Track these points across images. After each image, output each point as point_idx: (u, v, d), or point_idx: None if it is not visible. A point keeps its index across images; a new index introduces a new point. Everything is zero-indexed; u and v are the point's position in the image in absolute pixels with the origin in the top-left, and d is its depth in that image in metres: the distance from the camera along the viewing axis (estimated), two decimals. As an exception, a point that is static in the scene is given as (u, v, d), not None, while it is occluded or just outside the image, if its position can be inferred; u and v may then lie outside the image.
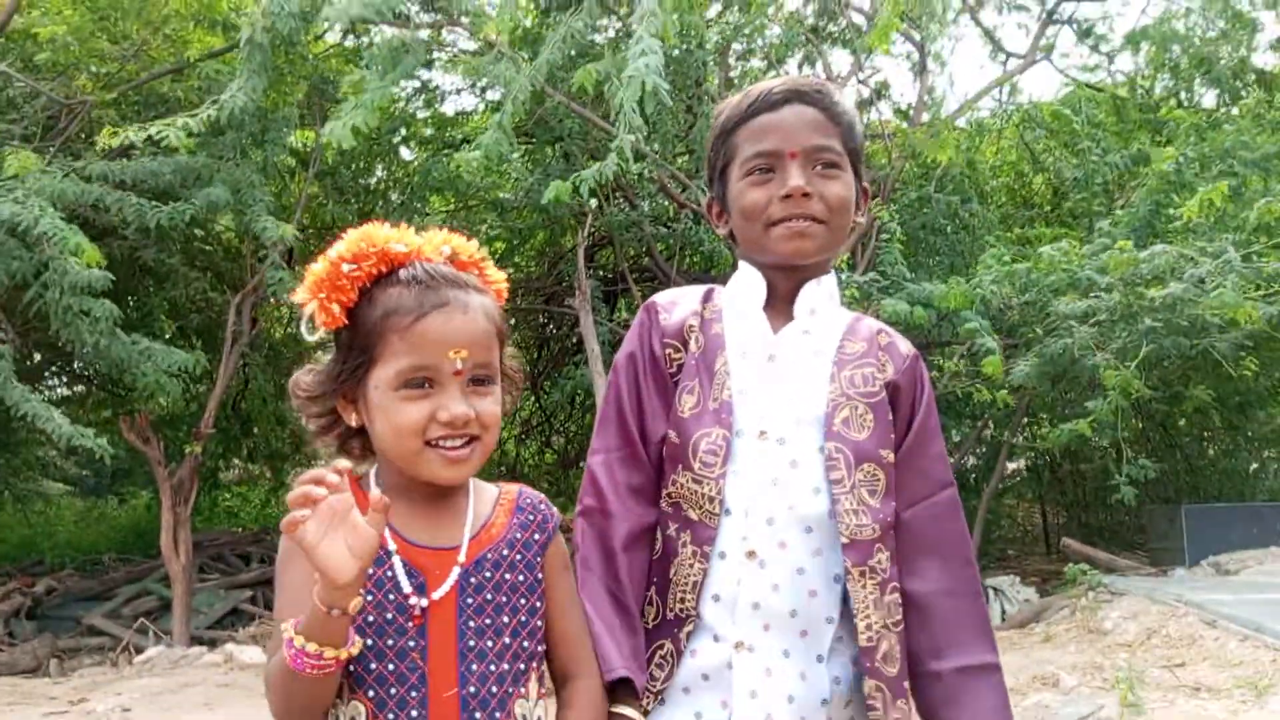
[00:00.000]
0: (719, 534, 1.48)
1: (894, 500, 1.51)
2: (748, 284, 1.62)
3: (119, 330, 6.27)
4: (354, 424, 1.41)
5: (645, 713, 1.45)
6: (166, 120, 6.05)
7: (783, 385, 1.54)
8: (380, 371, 1.35)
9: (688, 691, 1.47)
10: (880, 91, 10.07)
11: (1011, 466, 13.78)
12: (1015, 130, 10.44)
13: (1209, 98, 10.44)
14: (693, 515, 1.50)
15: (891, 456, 1.52)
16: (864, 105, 9.94)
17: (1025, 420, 10.32)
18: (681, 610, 1.48)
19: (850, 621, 1.48)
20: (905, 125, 9.65)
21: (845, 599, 1.48)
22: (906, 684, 1.49)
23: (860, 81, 9.73)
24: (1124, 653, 5.89)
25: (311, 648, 1.20)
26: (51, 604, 8.88)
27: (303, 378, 1.43)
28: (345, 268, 1.35)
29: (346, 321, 1.37)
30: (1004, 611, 8.88)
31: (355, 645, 1.26)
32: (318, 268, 1.37)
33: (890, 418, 1.54)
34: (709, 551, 1.48)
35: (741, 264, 1.64)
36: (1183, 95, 10.31)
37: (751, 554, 1.47)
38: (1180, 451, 12.16)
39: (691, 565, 1.48)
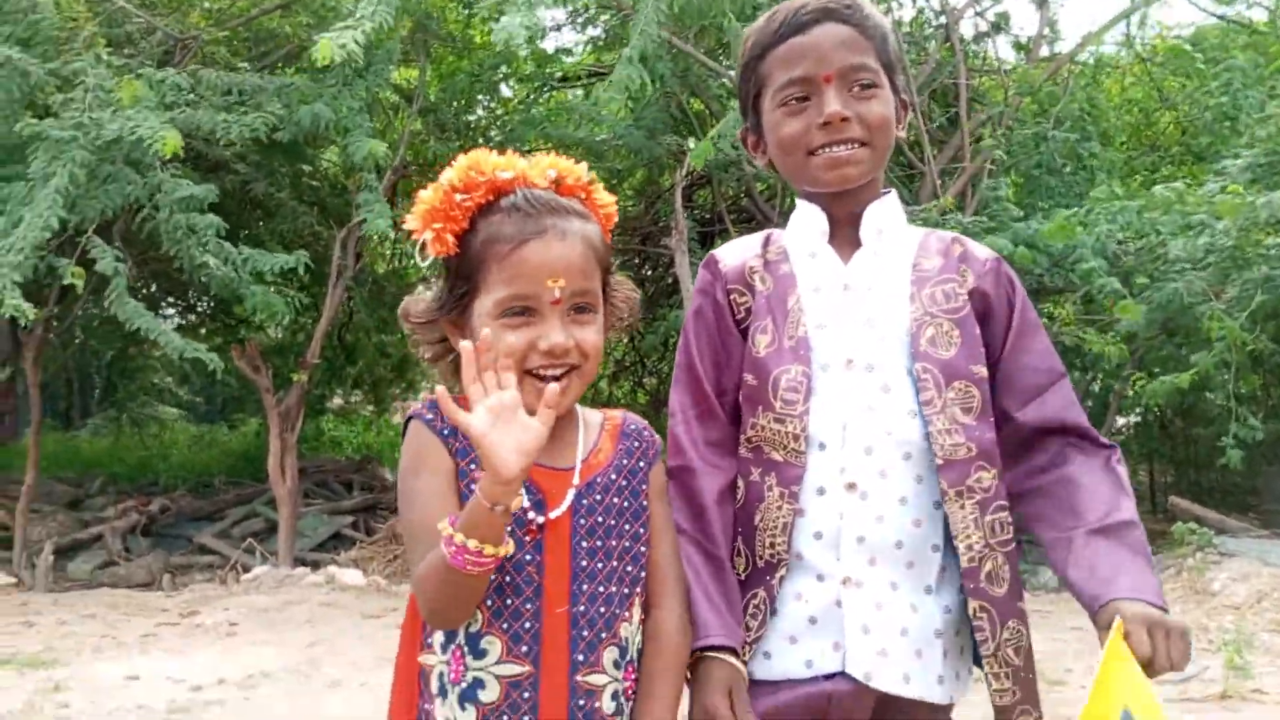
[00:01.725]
0: (809, 471, 1.44)
1: (992, 416, 1.46)
2: (809, 219, 1.56)
3: (224, 243, 6.42)
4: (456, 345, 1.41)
5: (744, 661, 1.42)
6: (325, 42, 6.03)
7: (863, 310, 1.49)
8: (483, 299, 1.36)
9: (794, 640, 1.43)
10: (999, 24, 9.65)
11: (1120, 422, 13.35)
12: (1143, 67, 9.91)
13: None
14: (776, 456, 1.45)
15: (984, 371, 1.47)
16: (981, 38, 9.56)
17: (1136, 374, 9.94)
18: (772, 555, 1.44)
19: (954, 551, 1.43)
20: (1024, 60, 9.25)
21: (946, 525, 1.43)
22: (1021, 605, 1.45)
23: (978, 13, 9.35)
24: (1231, 615, 5.68)
25: (473, 544, 1.22)
26: (165, 523, 9.30)
27: (412, 305, 1.45)
28: (458, 197, 1.36)
29: (458, 249, 1.38)
30: (1105, 568, 8.65)
31: (510, 544, 1.28)
32: (428, 195, 1.38)
33: (977, 331, 1.48)
34: (797, 491, 1.43)
35: (799, 202, 1.58)
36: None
37: (852, 486, 1.43)
38: (1302, 410, 11.59)
39: (780, 507, 1.44)
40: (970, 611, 1.41)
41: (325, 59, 5.49)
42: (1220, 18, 9.85)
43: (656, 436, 1.48)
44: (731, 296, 1.55)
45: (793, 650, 1.43)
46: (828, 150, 1.48)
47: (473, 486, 1.33)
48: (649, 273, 12.17)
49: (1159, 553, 8.28)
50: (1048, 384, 1.49)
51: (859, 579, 1.42)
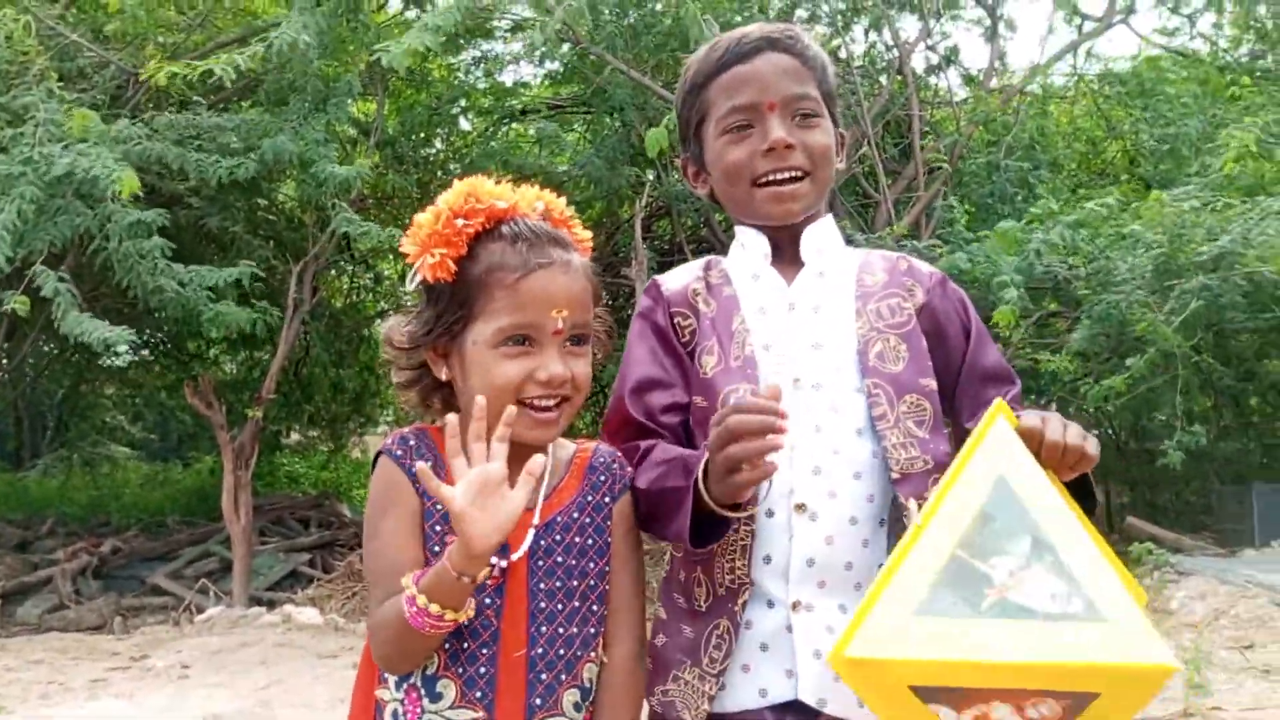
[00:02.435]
0: (760, 491, 1.41)
1: (945, 429, 1.47)
2: (750, 243, 1.56)
3: (170, 263, 6.32)
4: (444, 378, 1.40)
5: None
6: (215, 57, 6.04)
7: (809, 331, 1.49)
8: (480, 327, 1.34)
9: (747, 669, 1.41)
10: (950, 58, 9.83)
11: (1075, 444, 13.50)
12: (1090, 97, 10.13)
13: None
14: None
15: (933, 384, 1.48)
16: (933, 71, 9.72)
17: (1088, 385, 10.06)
18: (733, 580, 1.42)
19: None
20: (975, 92, 9.42)
21: (889, 545, 1.42)
22: None
23: (929, 47, 9.52)
24: (1190, 633, 5.74)
25: (434, 609, 1.22)
26: (117, 564, 9.10)
27: (395, 330, 1.42)
28: (459, 222, 1.35)
29: (453, 277, 1.36)
30: (1065, 591, 8.72)
31: (470, 608, 1.27)
32: (427, 219, 1.36)
33: (924, 345, 1.49)
34: (754, 514, 1.41)
35: (738, 228, 1.59)
36: (1270, 59, 9.90)
37: (801, 507, 1.41)
38: (1252, 430, 11.81)
39: (738, 530, 1.41)
40: None
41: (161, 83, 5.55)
42: (1164, 48, 10.12)
43: (628, 469, 1.46)
44: (675, 320, 1.54)
45: (747, 679, 1.41)
46: (772, 178, 1.49)
47: (437, 528, 1.33)
48: (609, 304, 12.18)
49: (1117, 574, 8.36)
50: (1006, 392, 1.50)
51: (809, 603, 1.40)
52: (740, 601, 1.42)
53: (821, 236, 1.55)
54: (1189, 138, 8.48)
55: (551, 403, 1.34)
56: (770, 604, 1.41)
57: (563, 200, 1.43)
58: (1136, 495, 12.95)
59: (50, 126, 6.10)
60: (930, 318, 1.52)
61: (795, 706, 1.38)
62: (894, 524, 1.42)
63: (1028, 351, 7.76)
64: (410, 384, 1.44)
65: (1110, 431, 13.24)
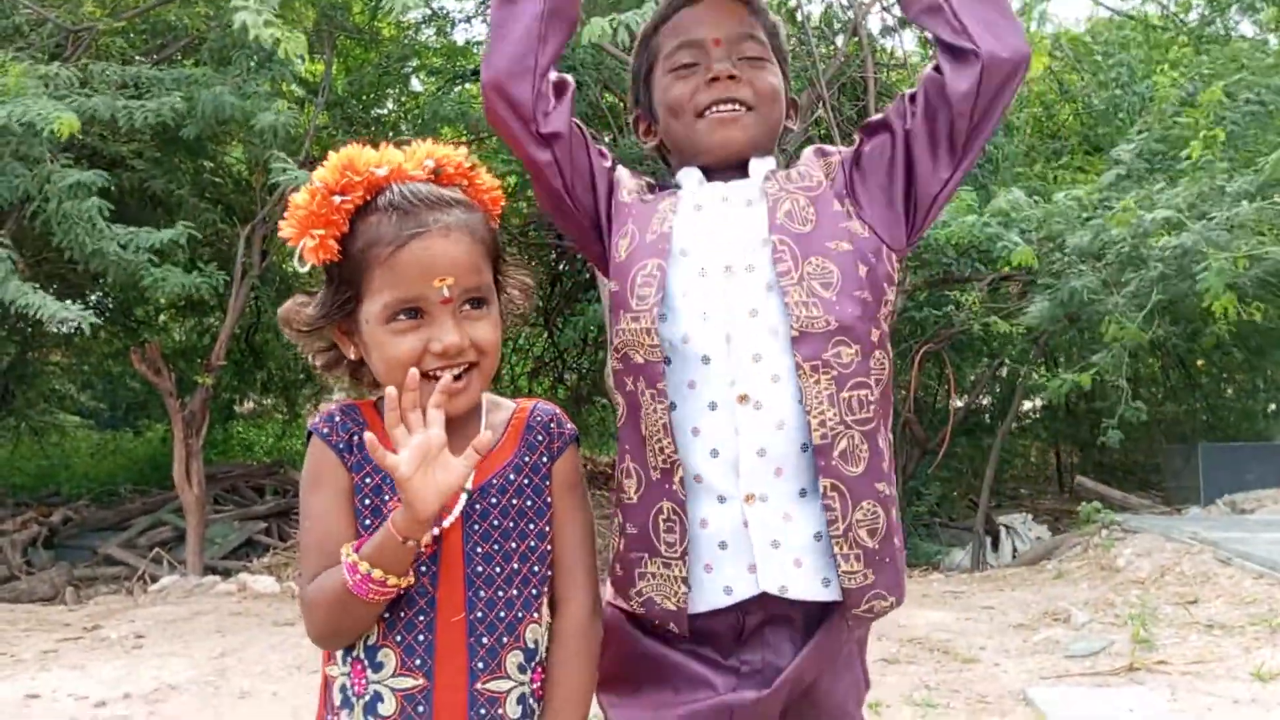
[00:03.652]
0: (699, 382, 1.40)
1: (858, 292, 1.40)
2: (687, 175, 1.54)
3: (108, 225, 6.16)
4: (353, 357, 1.37)
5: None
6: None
7: (741, 217, 1.47)
8: (369, 305, 1.30)
9: (709, 569, 1.40)
10: (906, 19, 9.81)
11: (1027, 406, 13.72)
12: (1043, 59, 10.17)
13: (1246, 27, 10.14)
14: (638, 358, 1.42)
15: (846, 245, 1.42)
16: (889, 32, 9.70)
17: (1041, 360, 10.22)
18: (664, 460, 1.39)
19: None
20: (930, 55, 9.42)
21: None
22: (882, 488, 1.39)
23: (885, 8, 9.49)
24: (1136, 590, 5.87)
25: (377, 574, 1.22)
26: (68, 534, 8.97)
27: (293, 313, 1.37)
28: (336, 199, 1.29)
29: (339, 255, 1.31)
30: (1015, 549, 8.89)
31: (411, 576, 1.26)
32: (303, 199, 1.31)
33: (835, 209, 1.45)
34: (664, 388, 1.39)
35: (679, 173, 1.56)
36: (1217, 25, 10.00)
37: (744, 397, 1.38)
38: (1199, 391, 12.07)
39: (654, 409, 1.40)
40: (821, 490, 1.36)
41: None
42: (1115, 11, 10.20)
43: (569, 426, 1.44)
44: (607, 182, 1.55)
45: (710, 579, 1.40)
46: (715, 110, 1.48)
47: (366, 501, 1.31)
48: (565, 267, 12.13)
49: (1067, 531, 8.55)
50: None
51: (763, 494, 1.37)
52: (676, 479, 1.39)
53: (767, 167, 1.53)
54: (1133, 103, 8.56)
55: (456, 372, 1.31)
56: (721, 499, 1.40)
57: (463, 150, 1.37)
58: (1086, 456, 13.23)
59: (-15, 85, 5.91)
60: (860, 159, 1.48)
61: (761, 597, 1.38)
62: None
63: (980, 314, 7.85)
64: (329, 366, 1.42)
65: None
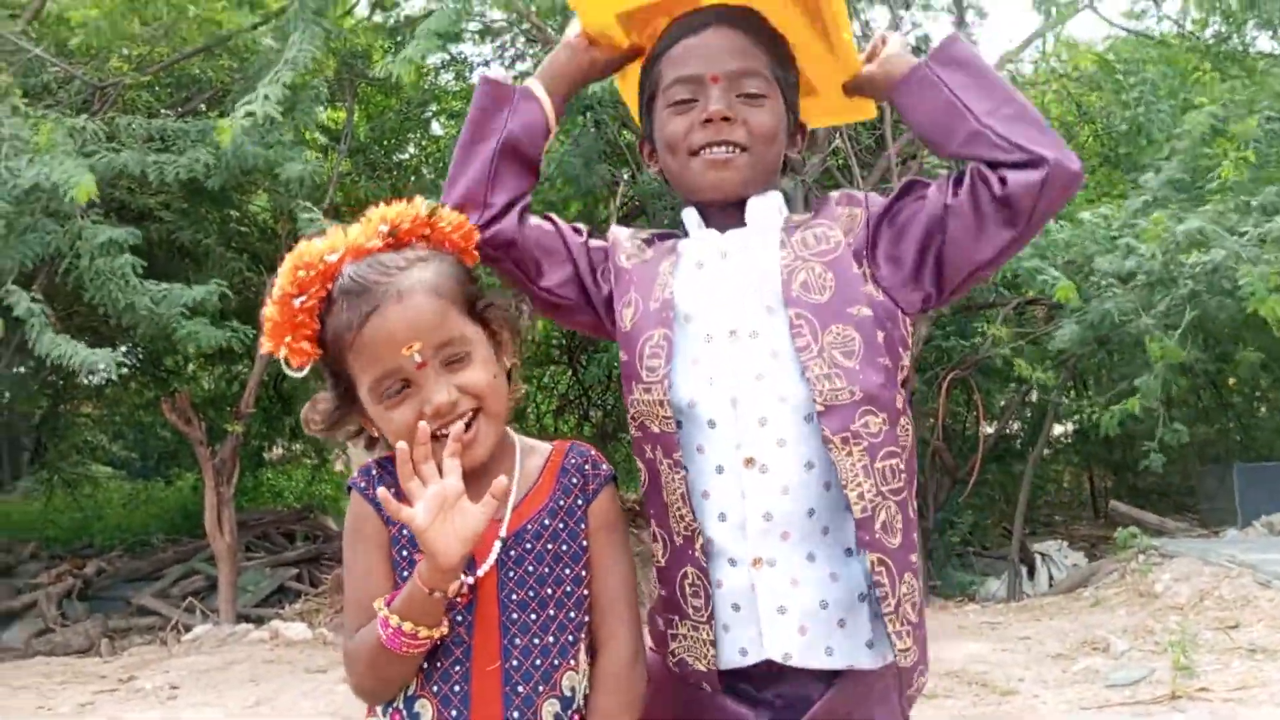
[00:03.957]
0: (706, 447, 1.40)
1: (880, 359, 1.39)
2: (688, 216, 1.54)
3: (141, 281, 6.25)
4: (375, 434, 1.39)
5: None
6: (247, 98, 5.94)
7: (743, 278, 1.45)
8: (360, 389, 1.32)
9: (728, 629, 1.40)
10: (920, 47, 9.85)
11: (1058, 430, 13.58)
12: (1060, 82, 10.19)
13: (1263, 41, 10.10)
14: (654, 428, 1.41)
15: (866, 311, 1.40)
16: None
17: (1070, 385, 10.12)
18: (685, 526, 1.40)
19: None
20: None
21: None
22: (914, 558, 1.39)
23: (903, 34, 9.54)
24: (1176, 615, 5.77)
25: (408, 627, 1.22)
26: (102, 585, 9.02)
27: (312, 414, 1.39)
28: (296, 302, 1.30)
29: (321, 352, 1.33)
30: (1051, 577, 8.77)
31: (445, 625, 1.27)
32: (270, 310, 1.32)
33: (854, 271, 1.42)
34: (680, 459, 1.39)
35: (683, 210, 1.56)
36: (1234, 40, 9.96)
37: (750, 461, 1.38)
38: (1231, 411, 11.91)
39: (672, 478, 1.40)
40: (868, 566, 1.35)
41: (228, 141, 5.50)
42: (1131, 31, 10.18)
43: (605, 466, 1.43)
44: (608, 251, 1.56)
45: (729, 639, 1.40)
46: (709, 151, 1.46)
47: (404, 553, 1.32)
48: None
49: (1103, 557, 8.42)
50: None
51: (771, 558, 1.37)
52: (698, 547, 1.39)
53: (764, 208, 1.50)
54: (1162, 120, 8.51)
55: (460, 425, 1.30)
56: (733, 562, 1.39)
57: (420, 201, 1.38)
58: (1120, 480, 13.04)
59: (16, 142, 6.03)
60: (888, 218, 1.45)
61: (769, 662, 1.38)
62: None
63: (1008, 339, 7.80)
64: (371, 444, 1.43)
65: (1093, 418, 13.32)
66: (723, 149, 1.45)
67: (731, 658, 1.40)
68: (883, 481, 1.36)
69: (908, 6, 9.29)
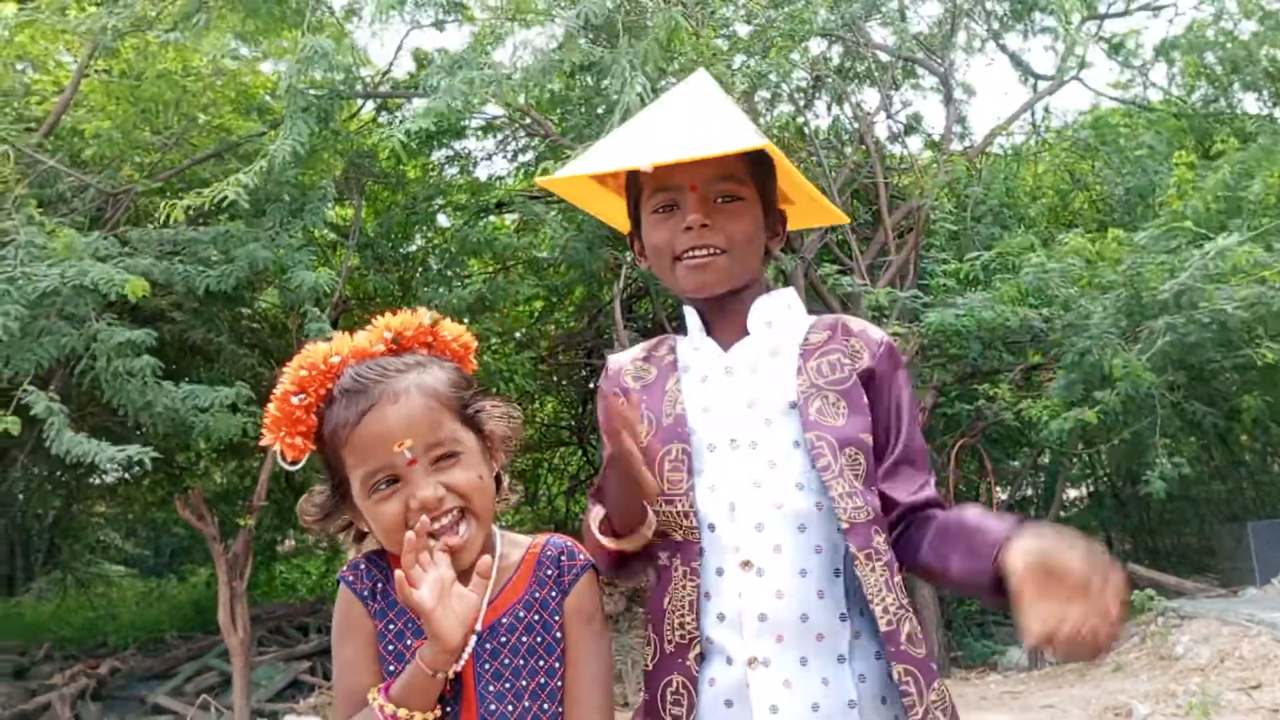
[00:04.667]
0: (707, 549, 1.46)
1: (874, 483, 1.49)
2: (690, 317, 1.61)
3: (160, 382, 6.36)
4: (365, 530, 1.44)
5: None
6: (220, 183, 6.15)
7: (744, 392, 1.53)
8: (353, 484, 1.38)
9: None
10: (912, 125, 10.08)
11: (1073, 494, 13.50)
12: (1052, 150, 10.38)
13: (1249, 103, 10.29)
14: (676, 536, 1.48)
15: (870, 440, 1.50)
16: (895, 139, 9.95)
17: (1081, 445, 10.12)
18: (683, 636, 1.45)
19: (862, 616, 1.45)
20: (938, 156, 9.65)
21: (848, 593, 1.45)
22: (935, 666, 1.45)
23: (890, 116, 9.76)
24: (1197, 677, 5.71)
25: (403, 714, 1.27)
26: (116, 684, 8.96)
27: (307, 506, 1.45)
28: (294, 400, 1.38)
29: (315, 448, 1.40)
30: (1073, 643, 8.65)
31: (438, 710, 1.31)
32: (271, 407, 1.40)
33: (864, 401, 1.51)
34: (697, 567, 1.45)
35: (684, 306, 1.64)
36: (1221, 103, 10.17)
37: (747, 564, 1.44)
38: (1243, 468, 11.86)
39: (684, 585, 1.45)
40: (895, 676, 1.40)
41: (179, 217, 5.69)
42: (1120, 101, 10.40)
43: (581, 557, 1.47)
44: (609, 399, 1.60)
45: None
46: (690, 257, 1.54)
47: (390, 647, 1.37)
48: (596, 385, 12.25)
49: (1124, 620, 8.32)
50: (924, 472, 1.53)
51: (765, 658, 1.42)
52: (692, 655, 1.44)
53: (773, 308, 1.58)
54: (1160, 186, 8.65)
55: (445, 521, 1.35)
56: (729, 661, 1.44)
57: (424, 313, 1.45)
58: (1137, 541, 12.93)
59: (31, 249, 6.19)
60: (869, 379, 1.54)
61: None
62: (850, 573, 1.44)
63: (1011, 404, 7.83)
64: (359, 538, 1.48)
65: (1106, 479, 13.27)
66: (703, 252, 1.54)
67: None
68: (900, 595, 1.44)
69: (897, 87, 9.53)
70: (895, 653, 1.40)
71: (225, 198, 6.40)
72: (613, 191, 1.73)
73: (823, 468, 1.45)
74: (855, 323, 1.61)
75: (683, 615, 1.46)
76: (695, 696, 1.44)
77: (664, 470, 1.49)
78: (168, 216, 6.29)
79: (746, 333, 1.58)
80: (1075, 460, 10.29)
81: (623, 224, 1.73)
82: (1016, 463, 10.81)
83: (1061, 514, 11.32)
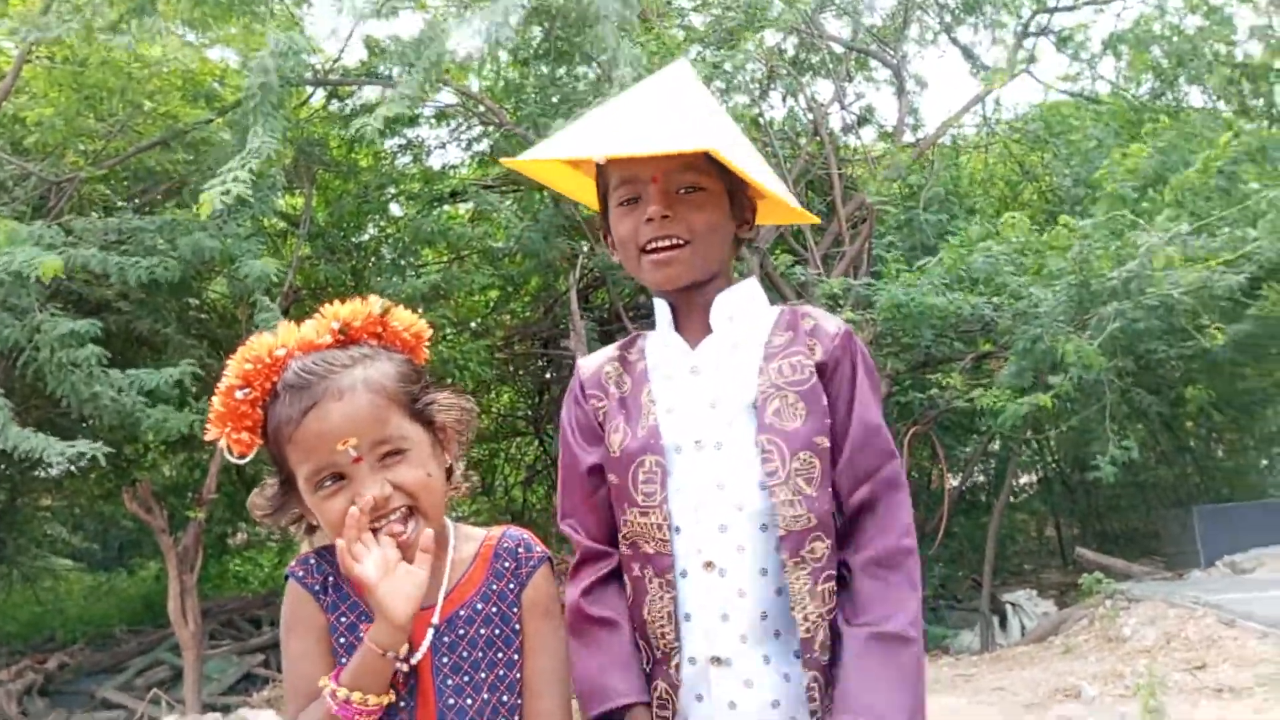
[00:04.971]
0: (676, 556, 1.47)
1: (830, 488, 1.49)
2: (658, 311, 1.61)
3: (107, 371, 6.24)
4: (315, 523, 1.42)
5: None
6: (214, 181, 6.01)
7: (708, 392, 1.53)
8: (299, 480, 1.36)
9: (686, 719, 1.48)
10: (865, 117, 10.15)
11: (1022, 480, 13.71)
12: (1002, 142, 10.50)
13: (1195, 97, 10.47)
14: (648, 549, 1.49)
15: (826, 442, 1.49)
16: (848, 130, 10.01)
17: (1030, 432, 10.29)
18: (664, 644, 1.47)
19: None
20: (891, 147, 9.72)
21: None
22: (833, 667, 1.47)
23: (844, 108, 9.81)
24: (1144, 659, 5.83)
25: (356, 697, 1.27)
26: (64, 680, 8.81)
27: (258, 499, 1.44)
28: (238, 394, 1.35)
29: (262, 442, 1.38)
30: (1023, 626, 8.81)
31: (391, 694, 1.31)
32: (215, 401, 1.37)
33: (824, 402, 1.51)
34: (671, 579, 1.47)
35: (654, 299, 1.64)
36: (1168, 96, 10.34)
37: (709, 565, 1.46)
38: (1189, 454, 12.12)
39: (661, 597, 1.47)
40: (805, 683, 1.44)
41: (208, 213, 5.58)
42: (1068, 94, 10.54)
43: (538, 549, 1.46)
44: (591, 403, 1.60)
45: None
46: (654, 246, 1.53)
47: (341, 640, 1.36)
48: (552, 375, 12.22)
49: (1072, 604, 8.48)
50: (877, 469, 1.50)
51: (728, 657, 1.44)
52: (673, 664, 1.47)
53: (733, 303, 1.58)
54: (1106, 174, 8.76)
55: (394, 518, 1.33)
56: (692, 660, 1.47)
57: (375, 301, 1.42)
58: (1086, 527, 13.18)
59: (-30, 239, 6.04)
60: (824, 372, 1.54)
61: None
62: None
63: (963, 392, 7.93)
64: (310, 530, 1.46)
65: (1055, 465, 13.49)
66: (666, 244, 1.53)
67: None
68: (822, 603, 1.45)
69: (850, 79, 9.58)
70: (808, 660, 1.44)
71: (170, 185, 6.29)
72: (584, 173, 1.72)
73: (769, 473, 1.46)
74: (812, 316, 1.60)
75: (663, 626, 1.47)
76: (677, 701, 1.47)
77: (638, 482, 1.50)
78: (106, 207, 6.15)
79: (710, 328, 1.58)
80: (1025, 447, 10.44)
81: (594, 202, 1.72)
82: (968, 449, 10.95)
83: (1011, 500, 11.50)
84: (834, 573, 1.47)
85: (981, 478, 12.51)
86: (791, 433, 1.48)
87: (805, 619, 1.43)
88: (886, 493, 1.49)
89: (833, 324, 1.59)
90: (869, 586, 1.44)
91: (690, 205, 1.54)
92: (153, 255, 6.70)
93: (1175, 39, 9.54)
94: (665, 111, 1.56)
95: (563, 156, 1.62)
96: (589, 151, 1.55)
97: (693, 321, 1.59)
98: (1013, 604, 9.28)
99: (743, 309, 1.59)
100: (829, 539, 1.48)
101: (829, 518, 1.48)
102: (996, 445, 10.97)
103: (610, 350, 1.67)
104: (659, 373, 1.58)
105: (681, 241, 1.53)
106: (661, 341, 1.61)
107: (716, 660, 1.45)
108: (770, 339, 1.57)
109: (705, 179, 1.55)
